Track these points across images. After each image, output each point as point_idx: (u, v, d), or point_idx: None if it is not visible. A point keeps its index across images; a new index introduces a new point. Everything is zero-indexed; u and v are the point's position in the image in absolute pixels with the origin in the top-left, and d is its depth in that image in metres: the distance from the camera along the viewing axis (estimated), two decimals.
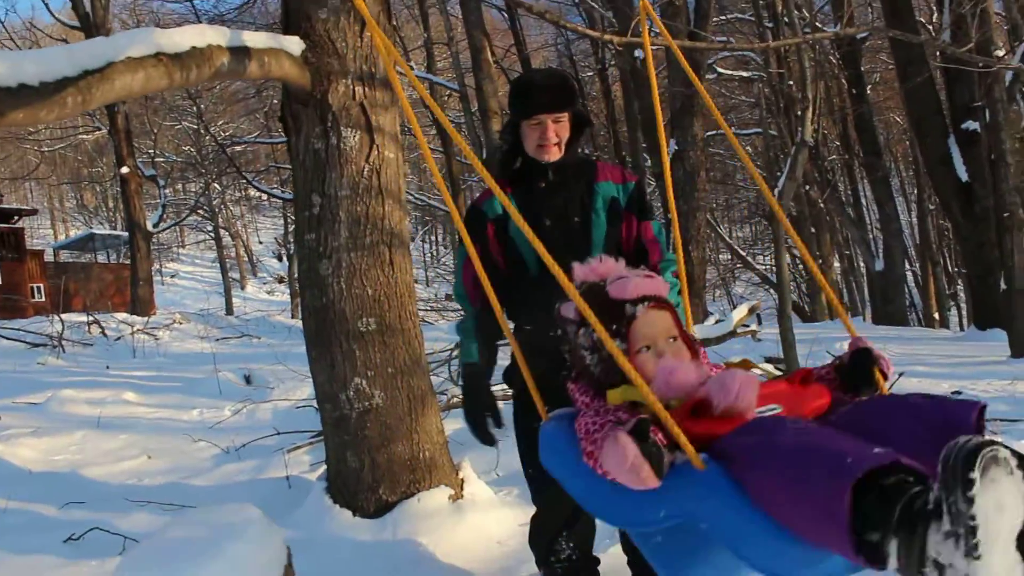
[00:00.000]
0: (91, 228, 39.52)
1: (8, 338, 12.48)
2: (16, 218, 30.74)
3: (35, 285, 28.78)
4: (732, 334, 8.90)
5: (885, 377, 1.80)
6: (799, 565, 1.38)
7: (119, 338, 13.25)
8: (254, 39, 3.33)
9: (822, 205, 20.14)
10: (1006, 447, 1.13)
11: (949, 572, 1.12)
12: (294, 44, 3.61)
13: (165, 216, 23.76)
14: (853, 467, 1.21)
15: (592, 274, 1.99)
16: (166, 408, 7.68)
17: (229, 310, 27.66)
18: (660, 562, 1.66)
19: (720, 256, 31.95)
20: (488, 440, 2.75)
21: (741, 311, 9.17)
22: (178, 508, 4.51)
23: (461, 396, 2.86)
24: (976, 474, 1.09)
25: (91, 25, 18.22)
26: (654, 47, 3.76)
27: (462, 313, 2.91)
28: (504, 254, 2.81)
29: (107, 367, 10.55)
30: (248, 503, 1.84)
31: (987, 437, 1.22)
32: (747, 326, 9.58)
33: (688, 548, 1.57)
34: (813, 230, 21.49)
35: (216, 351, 11.38)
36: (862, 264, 22.16)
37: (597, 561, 3.00)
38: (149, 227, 19.96)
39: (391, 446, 3.88)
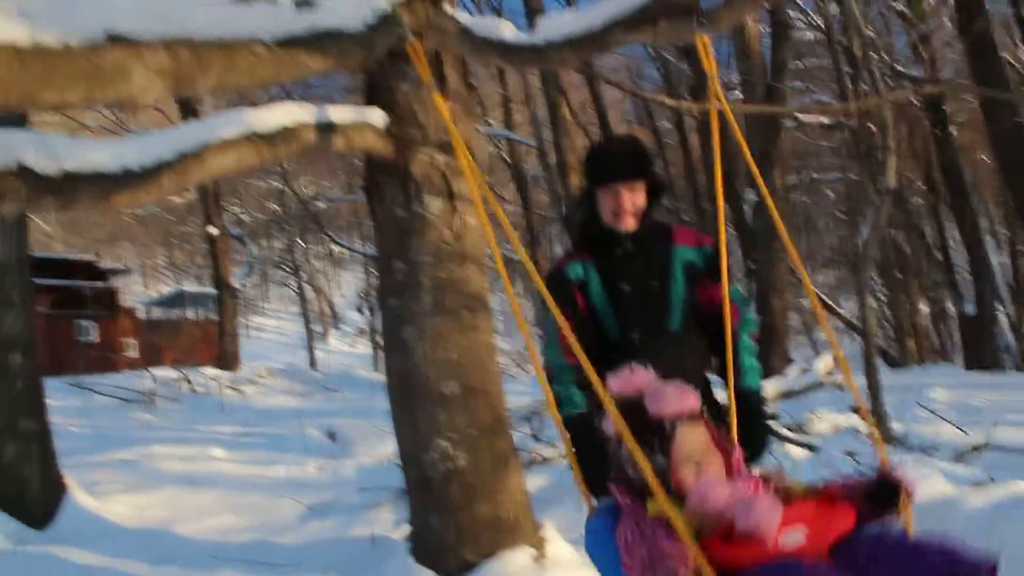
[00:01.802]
0: (181, 286, 40.96)
1: (103, 394, 12.95)
2: (111, 277, 32.09)
3: (128, 340, 29.89)
4: (819, 384, 8.69)
5: (910, 498, 1.89)
6: None
7: (207, 393, 13.63)
8: (340, 114, 3.46)
9: (908, 250, 19.62)
10: None
11: None
12: (378, 117, 3.73)
13: (251, 273, 24.49)
14: None
15: (628, 386, 2.03)
16: (252, 464, 7.84)
17: (312, 363, 28.21)
18: None
19: (803, 301, 31.29)
20: (601, 492, 2.62)
21: (827, 360, 8.95)
22: (263, 566, 4.59)
23: (566, 452, 2.75)
24: None
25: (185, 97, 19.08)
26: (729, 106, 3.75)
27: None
28: (589, 314, 2.75)
29: (195, 422, 10.86)
30: (334, 566, 1.88)
31: None
32: (832, 375, 9.33)
33: None
34: (900, 275, 20.92)
35: (301, 406, 11.60)
36: (952, 307, 21.42)
37: None
38: (236, 284, 20.58)
39: (474, 506, 3.90)
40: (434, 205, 3.89)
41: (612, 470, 2.07)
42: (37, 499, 5.94)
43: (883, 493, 1.86)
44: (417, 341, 3.91)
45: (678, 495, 1.80)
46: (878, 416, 7.20)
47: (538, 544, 4.05)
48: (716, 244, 2.88)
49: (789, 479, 1.97)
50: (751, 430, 2.84)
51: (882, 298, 24.11)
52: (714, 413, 2.94)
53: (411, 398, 3.94)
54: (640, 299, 2.71)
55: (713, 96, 3.07)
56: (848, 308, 27.11)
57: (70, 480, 6.26)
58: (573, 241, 3.05)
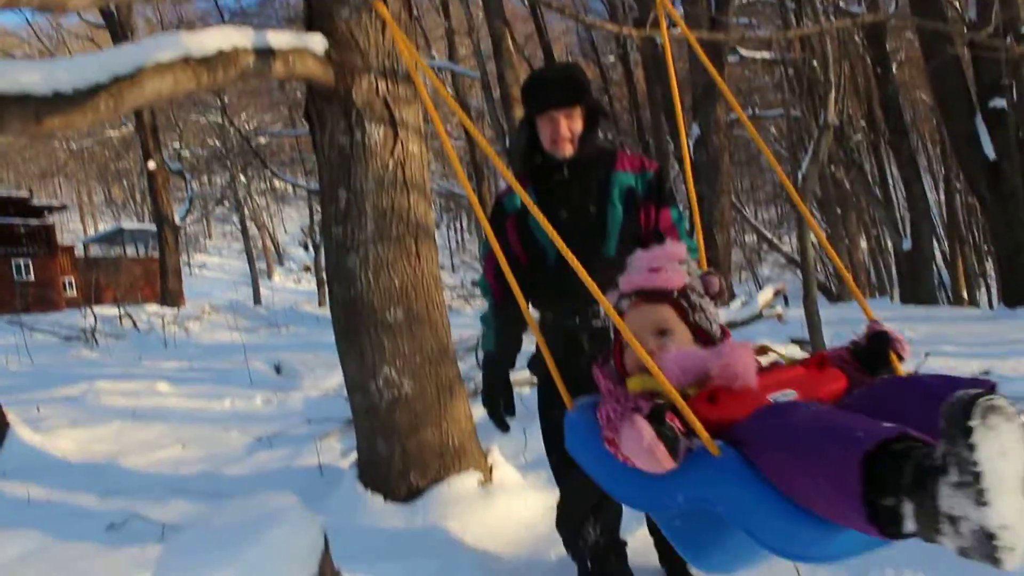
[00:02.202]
0: (120, 223, 40.04)
1: (43, 331, 12.73)
2: (47, 214, 31.25)
3: (67, 279, 29.30)
4: (758, 317, 8.91)
5: (902, 359, 1.78)
6: (812, 544, 1.42)
7: (150, 330, 13.47)
8: (278, 39, 3.41)
9: (848, 185, 20.00)
10: (1003, 396, 1.17)
11: (963, 524, 1.14)
12: (318, 43, 3.68)
13: (192, 209, 24.03)
14: (864, 439, 1.25)
15: (654, 261, 1.92)
16: (198, 398, 7.82)
17: (257, 300, 27.95)
18: (680, 545, 1.72)
19: (746, 238, 31.80)
20: (502, 427, 2.86)
21: (766, 294, 9.16)
22: (213, 496, 4.63)
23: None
24: (975, 422, 1.13)
25: (116, 23, 18.43)
26: (673, 39, 3.78)
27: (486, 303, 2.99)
28: (525, 247, 2.87)
29: (139, 358, 10.75)
30: (285, 491, 1.92)
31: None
32: (773, 308, 9.56)
33: (706, 532, 1.62)
34: (839, 211, 21.36)
35: (246, 341, 11.54)
36: (890, 244, 21.96)
37: (624, 544, 3.06)
38: (177, 220, 20.22)
39: (421, 433, 3.97)
40: (376, 133, 3.87)
41: (595, 355, 2.08)
42: None
43: (872, 355, 1.76)
44: (361, 269, 3.92)
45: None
46: (815, 346, 7.41)
47: (485, 470, 4.15)
48: (660, 170, 2.94)
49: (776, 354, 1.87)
50: None
51: (823, 235, 24.59)
52: None
53: (356, 326, 3.97)
54: (577, 224, 2.75)
55: (664, 23, 3.10)
56: (791, 245, 27.67)
57: (12, 416, 6.18)
58: (514, 170, 3.10)
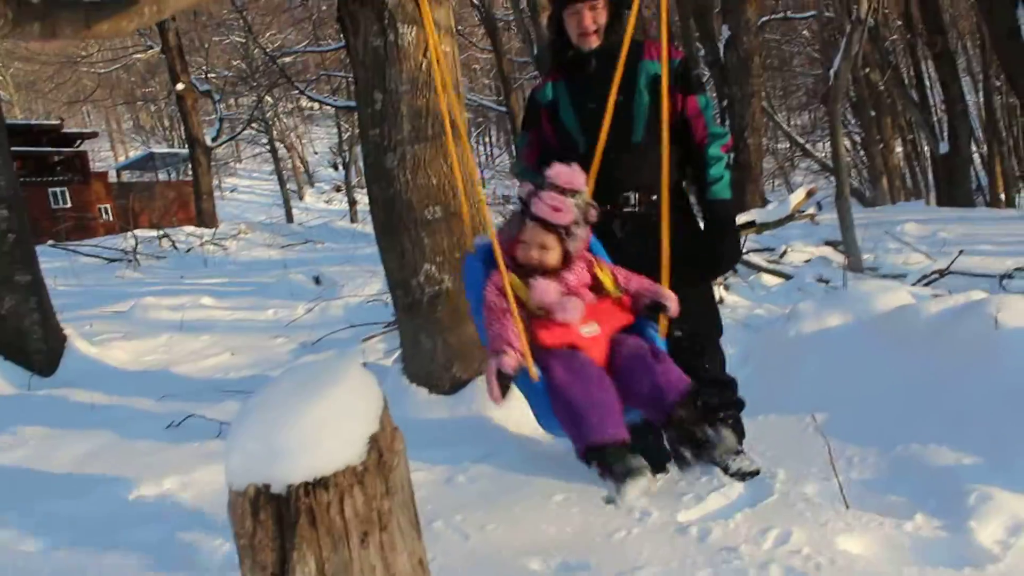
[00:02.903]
0: (150, 148, 40.25)
1: (87, 254, 13.03)
2: (79, 142, 31.48)
3: (102, 206, 29.65)
4: (790, 218, 8.89)
5: (667, 316, 2.63)
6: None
7: (189, 250, 13.73)
8: None
9: (883, 87, 19.56)
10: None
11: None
12: None
13: (222, 131, 24.11)
14: (591, 434, 2.26)
15: (558, 178, 2.54)
16: (242, 310, 8.05)
17: (289, 219, 28.17)
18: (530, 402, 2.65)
19: (779, 145, 31.30)
20: None
21: (798, 195, 9.11)
22: None
23: None
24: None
25: None
26: None
27: None
28: (558, 137, 3.04)
29: (181, 277, 11.01)
30: (353, 359, 2.06)
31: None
32: (803, 211, 9.53)
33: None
34: (873, 113, 20.93)
35: (284, 256, 11.74)
36: (926, 147, 21.55)
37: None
38: (208, 142, 20.32)
39: (462, 327, 4.10)
40: (409, 33, 3.92)
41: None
42: (40, 349, 6.12)
43: (655, 307, 2.60)
44: (399, 168, 4.01)
45: (525, 268, 2.56)
46: (848, 247, 7.43)
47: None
48: (686, 58, 3.02)
49: (604, 269, 2.65)
50: (717, 239, 3.03)
51: (857, 139, 24.17)
52: (690, 223, 3.13)
53: (396, 224, 4.08)
54: (605, 113, 2.84)
55: None
56: (824, 152, 27.20)
57: (69, 330, 6.44)
58: (548, 65, 3.24)
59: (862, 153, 23.61)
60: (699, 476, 3.09)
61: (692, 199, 3.20)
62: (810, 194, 9.49)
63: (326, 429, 1.71)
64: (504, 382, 2.40)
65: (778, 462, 3.13)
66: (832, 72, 7.44)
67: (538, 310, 2.54)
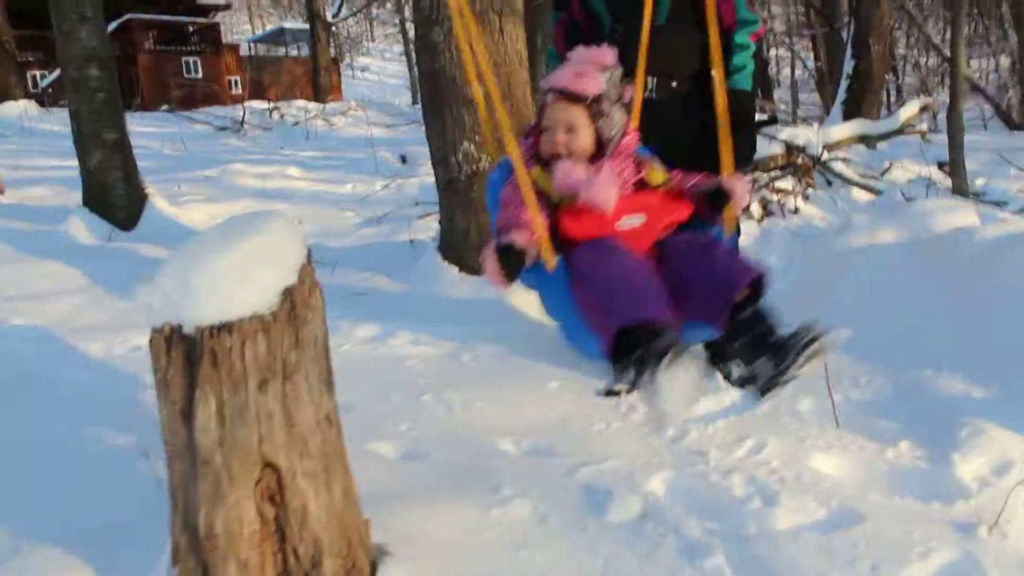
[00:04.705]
0: (282, 22, 40.82)
1: (198, 121, 13.46)
2: (212, 13, 32.17)
3: (232, 78, 30.42)
4: (899, 132, 8.28)
5: (735, 207, 2.25)
6: (581, 347, 2.17)
7: (296, 123, 13.97)
8: None
9: None
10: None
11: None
12: None
13: (344, 5, 24.16)
14: (622, 317, 1.88)
15: (579, 65, 2.27)
16: (324, 183, 8.19)
17: (415, 100, 28.27)
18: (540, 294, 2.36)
19: (929, 61, 29.16)
20: None
21: (911, 108, 8.46)
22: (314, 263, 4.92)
23: None
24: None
25: None
26: None
27: None
28: (586, 15, 2.96)
29: (281, 148, 11.25)
30: (283, 211, 2.07)
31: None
32: (915, 126, 8.85)
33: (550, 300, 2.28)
34: None
35: (385, 135, 11.81)
36: None
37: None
38: (328, 17, 20.42)
39: None
40: None
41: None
42: (122, 204, 6.38)
43: (717, 197, 2.18)
44: (445, 42, 3.92)
45: (549, 158, 2.21)
46: (954, 170, 6.90)
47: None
48: None
49: (655, 167, 2.28)
50: (736, 131, 2.84)
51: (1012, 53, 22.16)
52: (708, 115, 2.96)
53: (440, 100, 4.01)
54: None
55: None
56: (982, 71, 25.11)
57: (152, 190, 6.69)
58: None
59: (1019, 68, 21.60)
60: (701, 377, 2.99)
61: None
62: (925, 108, 8.79)
63: (238, 275, 1.70)
64: (510, 262, 2.02)
65: None
66: None
67: (564, 198, 2.13)
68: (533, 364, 3.27)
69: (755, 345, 1.95)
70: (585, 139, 2.19)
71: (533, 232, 2.04)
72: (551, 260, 2.05)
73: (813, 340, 2.01)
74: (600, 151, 2.20)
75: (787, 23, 27.65)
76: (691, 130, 2.79)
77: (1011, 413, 2.46)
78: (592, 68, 2.19)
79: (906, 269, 3.42)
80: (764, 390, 1.97)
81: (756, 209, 5.51)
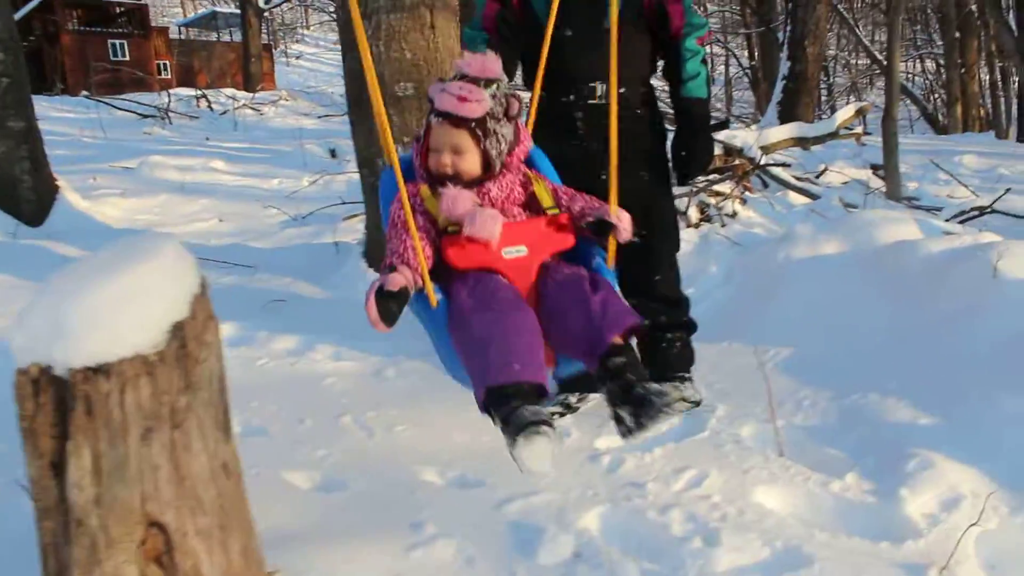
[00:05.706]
0: (214, 6, 39.77)
1: (120, 108, 12.91)
2: None
3: (161, 62, 29.48)
4: (833, 135, 8.31)
5: (619, 241, 2.15)
6: (463, 381, 2.01)
7: (224, 112, 13.53)
8: None
9: (974, 7, 18.21)
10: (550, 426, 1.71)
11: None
12: None
13: None
14: (492, 376, 1.80)
15: (468, 67, 2.14)
16: (249, 177, 7.89)
17: None
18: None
19: (859, 61, 29.76)
20: None
21: (846, 112, 8.49)
22: (232, 267, 4.68)
23: None
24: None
25: None
26: None
27: None
28: (525, 19, 2.74)
29: (206, 138, 10.85)
30: (171, 236, 1.83)
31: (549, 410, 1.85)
32: (851, 129, 8.90)
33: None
34: (958, 34, 19.63)
35: (316, 127, 11.49)
36: (1015, 79, 20.18)
37: None
38: (260, 3, 19.90)
39: None
40: None
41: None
42: (29, 198, 6.01)
43: (601, 228, 2.12)
44: (372, 39, 3.73)
45: (436, 176, 2.14)
46: (888, 173, 6.92)
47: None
48: None
49: (543, 184, 2.22)
50: (690, 141, 2.73)
51: (940, 61, 22.74)
52: (655, 121, 2.82)
53: (365, 99, 3.79)
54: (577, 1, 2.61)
55: None
56: (910, 72, 25.74)
57: (63, 182, 6.33)
58: None
59: (944, 77, 22.19)
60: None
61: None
62: (861, 112, 8.85)
63: (118, 310, 1.49)
64: (389, 304, 1.91)
65: (724, 396, 2.88)
66: None
67: (449, 225, 2.08)
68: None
69: (622, 392, 1.85)
70: (471, 161, 2.14)
71: (415, 268, 1.99)
72: (433, 298, 1.99)
73: (676, 401, 1.91)
74: (489, 169, 2.16)
75: (722, 20, 27.93)
76: (636, 136, 2.66)
77: (958, 441, 2.38)
78: (476, 89, 2.09)
79: (851, 283, 3.33)
80: (624, 435, 1.87)
81: (694, 214, 5.40)
